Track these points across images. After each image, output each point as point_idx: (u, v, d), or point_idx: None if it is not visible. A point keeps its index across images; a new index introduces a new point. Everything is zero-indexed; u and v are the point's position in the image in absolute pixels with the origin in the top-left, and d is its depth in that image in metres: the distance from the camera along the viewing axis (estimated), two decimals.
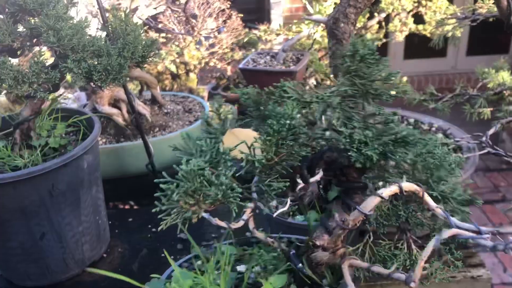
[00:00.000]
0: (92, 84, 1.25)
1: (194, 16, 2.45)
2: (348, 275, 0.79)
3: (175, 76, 2.92)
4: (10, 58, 1.23)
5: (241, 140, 0.74)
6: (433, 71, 5.59)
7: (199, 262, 0.98)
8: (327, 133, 0.79)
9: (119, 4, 1.99)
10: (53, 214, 1.30)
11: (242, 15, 2.88)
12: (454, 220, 0.72)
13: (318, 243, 0.82)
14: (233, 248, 0.95)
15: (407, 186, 0.74)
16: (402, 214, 1.07)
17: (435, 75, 5.57)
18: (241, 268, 0.92)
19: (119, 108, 1.81)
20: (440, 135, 1.58)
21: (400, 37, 2.50)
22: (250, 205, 0.81)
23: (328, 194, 1.24)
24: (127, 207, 1.78)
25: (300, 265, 0.82)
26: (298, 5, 4.87)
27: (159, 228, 0.69)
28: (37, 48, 1.34)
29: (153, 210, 0.71)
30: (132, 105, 1.57)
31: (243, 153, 0.74)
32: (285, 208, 1.06)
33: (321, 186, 1.23)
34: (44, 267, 1.37)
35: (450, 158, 1.12)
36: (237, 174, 0.74)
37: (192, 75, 2.96)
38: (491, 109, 1.72)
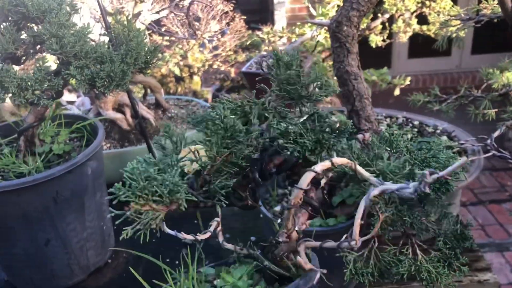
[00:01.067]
0: (95, 90, 1.25)
1: (198, 19, 2.45)
2: (305, 257, 0.84)
3: (179, 79, 2.92)
4: (13, 66, 1.23)
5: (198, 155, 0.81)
6: (437, 70, 5.56)
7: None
8: (262, 130, 0.87)
9: (122, 8, 2.00)
10: (58, 220, 1.30)
11: (245, 17, 2.88)
12: (388, 183, 0.77)
13: (280, 239, 0.85)
14: (211, 269, 0.98)
15: (339, 160, 0.78)
16: (407, 219, 1.07)
17: (440, 74, 5.54)
18: (217, 282, 0.95)
19: (123, 113, 1.81)
20: (444, 138, 1.57)
21: (404, 38, 2.49)
22: (217, 219, 0.85)
23: (333, 200, 1.24)
24: None
25: (267, 262, 0.86)
26: (301, 5, 4.86)
27: (124, 236, 0.71)
28: (40, 55, 1.34)
29: (108, 215, 0.74)
30: (136, 109, 1.57)
31: (190, 160, 0.80)
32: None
33: (325, 192, 1.23)
34: (49, 273, 1.37)
35: (455, 162, 1.12)
36: (186, 180, 0.79)
37: (196, 78, 2.96)
38: (496, 110, 1.71)
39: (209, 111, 0.82)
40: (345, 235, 0.83)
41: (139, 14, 1.79)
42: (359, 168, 0.79)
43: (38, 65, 1.22)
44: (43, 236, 1.30)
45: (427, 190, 0.70)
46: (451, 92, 1.84)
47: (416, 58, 5.53)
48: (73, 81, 1.22)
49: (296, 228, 0.86)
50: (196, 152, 0.81)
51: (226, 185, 0.81)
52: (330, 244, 0.83)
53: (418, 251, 1.10)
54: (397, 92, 2.35)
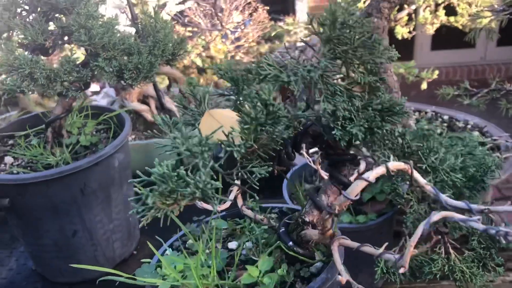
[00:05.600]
0: (122, 82, 1.24)
1: (220, 10, 2.43)
2: (337, 254, 0.77)
3: (201, 70, 2.90)
4: (42, 57, 1.23)
5: (220, 123, 0.70)
6: (461, 62, 5.45)
7: (190, 241, 0.93)
8: (308, 112, 0.73)
9: None
10: (85, 212, 1.30)
11: (268, 7, 2.84)
12: (444, 197, 0.67)
13: (307, 219, 0.79)
14: (224, 222, 0.91)
15: (394, 165, 0.69)
16: None
17: (464, 66, 5.43)
18: (232, 245, 0.90)
19: (148, 104, 1.80)
20: (476, 133, 1.53)
21: (430, 29, 2.43)
22: (237, 182, 0.75)
23: (362, 196, 1.21)
24: None
25: (291, 243, 0.79)
26: None
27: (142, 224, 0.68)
28: (68, 46, 1.34)
29: (130, 212, 0.68)
30: (161, 102, 1.57)
31: (222, 141, 0.69)
32: None
33: None
34: (76, 264, 1.38)
35: (490, 159, 1.08)
36: (217, 164, 0.68)
37: None
38: None
39: (249, 90, 0.67)
40: (394, 250, 0.74)
41: (164, 5, 1.77)
42: (415, 173, 0.70)
43: (66, 56, 1.21)
44: (70, 227, 1.31)
45: (501, 239, 0.59)
46: (475, 85, 1.79)
47: (439, 50, 5.42)
48: (100, 73, 1.22)
49: (328, 208, 0.75)
50: (230, 135, 0.67)
51: (260, 173, 0.71)
52: (370, 249, 0.75)
53: (451, 250, 1.07)
54: (424, 86, 2.29)
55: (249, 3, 2.67)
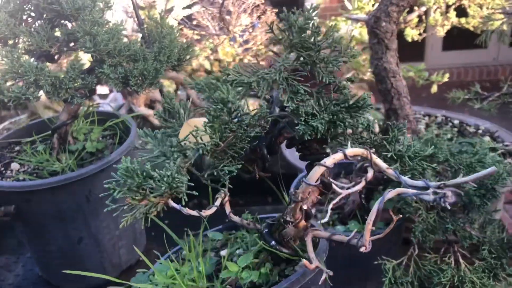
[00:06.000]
0: (128, 88, 1.23)
1: (228, 13, 2.41)
2: (311, 244, 0.79)
3: (209, 73, 2.90)
4: (47, 63, 1.23)
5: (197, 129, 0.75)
6: (473, 63, 5.38)
7: (184, 252, 0.95)
8: (274, 110, 0.78)
9: (154, 2, 1.98)
10: (90, 218, 1.30)
11: (276, 10, 2.82)
12: (405, 178, 0.68)
13: (288, 218, 0.80)
14: (218, 234, 0.95)
15: (352, 151, 0.71)
16: (450, 226, 1.02)
17: (475, 67, 5.37)
18: (223, 252, 0.92)
19: (155, 109, 1.80)
20: (487, 138, 1.50)
21: (441, 31, 2.40)
22: (224, 190, 0.81)
23: (370, 204, 1.19)
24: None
25: (273, 242, 0.81)
26: None
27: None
28: (74, 53, 1.34)
29: (105, 210, 0.73)
30: None
31: (192, 143, 0.75)
32: (326, 219, 1.02)
33: (363, 196, 1.19)
34: (82, 270, 1.37)
35: (501, 166, 1.06)
36: (189, 163, 0.76)
37: None
38: None
39: (212, 92, 0.76)
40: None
41: (171, 9, 1.76)
42: (375, 158, 0.72)
43: (71, 63, 1.21)
44: (76, 234, 1.30)
45: (448, 206, 0.63)
46: (488, 86, 1.76)
47: (451, 50, 5.36)
48: (106, 79, 1.21)
49: (305, 207, 0.79)
50: (196, 132, 0.74)
51: (230, 171, 0.76)
52: (339, 237, 0.77)
53: (461, 260, 1.05)
54: (434, 89, 2.26)
55: (257, 5, 2.66)
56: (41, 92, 1.21)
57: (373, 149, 0.76)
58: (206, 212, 0.78)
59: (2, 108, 1.42)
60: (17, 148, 1.43)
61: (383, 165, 0.73)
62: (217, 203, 0.81)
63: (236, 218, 0.87)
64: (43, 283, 1.46)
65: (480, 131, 1.59)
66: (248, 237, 0.93)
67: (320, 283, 0.77)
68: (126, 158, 0.71)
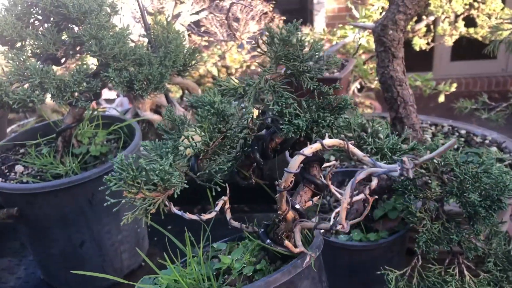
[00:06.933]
0: (133, 93, 1.23)
1: (236, 19, 2.42)
2: (298, 234, 0.83)
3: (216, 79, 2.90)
4: (53, 67, 1.24)
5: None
6: (482, 73, 5.35)
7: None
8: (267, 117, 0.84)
9: (162, 7, 1.99)
10: (93, 222, 1.29)
11: (284, 17, 2.83)
12: (380, 164, 0.74)
13: (281, 218, 0.83)
14: (223, 244, 0.99)
15: (330, 141, 0.75)
16: (454, 237, 1.00)
17: (484, 78, 5.34)
18: (224, 258, 0.95)
19: (160, 114, 1.80)
20: (494, 149, 1.48)
21: (449, 41, 2.39)
22: (224, 197, 0.84)
23: (374, 213, 1.18)
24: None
25: (268, 241, 0.84)
26: (341, 5, 4.77)
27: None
28: (80, 56, 1.34)
29: (104, 205, 0.78)
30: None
31: (185, 146, 0.80)
32: (328, 226, 1.01)
33: (366, 204, 1.18)
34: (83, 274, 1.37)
35: (508, 177, 1.04)
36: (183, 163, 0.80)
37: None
38: None
39: (201, 95, 0.80)
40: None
41: (178, 15, 1.77)
42: (352, 147, 0.75)
43: (77, 66, 1.21)
44: (78, 237, 1.30)
45: (410, 175, 0.68)
46: (496, 97, 1.75)
47: (459, 60, 5.33)
48: (111, 83, 1.22)
49: (298, 206, 0.83)
50: (191, 137, 0.80)
51: (221, 169, 0.80)
52: (324, 225, 0.80)
53: (465, 272, 1.03)
54: (441, 99, 2.25)
55: (266, 13, 2.66)
56: (48, 95, 1.21)
57: (352, 141, 0.79)
58: (206, 216, 0.80)
59: (9, 110, 1.42)
60: (21, 150, 1.43)
61: (360, 153, 0.76)
62: (217, 208, 0.83)
63: (235, 224, 0.89)
64: (44, 286, 1.45)
65: (487, 141, 1.58)
66: (249, 243, 0.94)
67: (304, 265, 0.80)
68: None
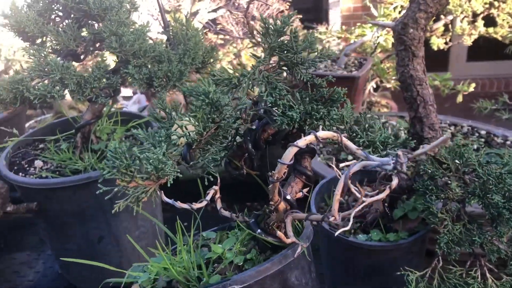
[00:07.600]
0: (152, 89, 1.24)
1: (253, 18, 2.41)
2: (290, 225, 0.84)
3: None
4: (73, 63, 1.24)
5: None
6: (498, 74, 5.28)
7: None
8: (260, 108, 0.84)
9: (179, 5, 1.99)
10: (111, 218, 1.30)
11: (300, 16, 2.81)
12: (373, 157, 0.75)
13: (272, 208, 0.84)
14: (213, 233, 1.00)
15: (323, 134, 0.75)
16: (477, 239, 0.99)
17: (501, 78, 5.27)
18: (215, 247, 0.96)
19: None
20: None
21: (468, 41, 2.36)
22: (215, 187, 0.86)
23: (394, 213, 1.17)
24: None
25: (259, 230, 0.85)
26: (357, 4, 4.73)
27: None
28: (99, 52, 1.35)
29: (97, 192, 0.80)
30: None
31: (179, 135, 0.80)
32: (348, 227, 1.00)
33: (386, 204, 1.17)
34: (101, 271, 1.37)
35: None
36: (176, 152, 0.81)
37: None
38: None
39: (195, 85, 0.80)
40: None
41: (196, 13, 1.77)
42: (345, 140, 0.76)
43: (97, 62, 1.22)
44: (96, 233, 1.31)
45: (404, 169, 0.70)
46: None
47: (476, 61, 5.27)
48: (130, 80, 1.22)
49: (289, 197, 0.83)
50: (184, 127, 0.80)
51: (214, 159, 0.81)
52: (315, 216, 0.81)
53: (487, 274, 1.02)
54: (459, 99, 2.22)
55: (282, 11, 2.65)
56: (66, 91, 1.22)
57: (345, 134, 0.80)
58: (197, 205, 0.83)
59: (28, 106, 1.43)
60: (41, 145, 1.44)
61: (353, 146, 0.77)
62: (208, 197, 0.85)
63: (226, 213, 0.91)
64: (62, 281, 1.47)
65: (508, 142, 1.55)
66: (238, 232, 0.95)
67: (295, 255, 0.81)
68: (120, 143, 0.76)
